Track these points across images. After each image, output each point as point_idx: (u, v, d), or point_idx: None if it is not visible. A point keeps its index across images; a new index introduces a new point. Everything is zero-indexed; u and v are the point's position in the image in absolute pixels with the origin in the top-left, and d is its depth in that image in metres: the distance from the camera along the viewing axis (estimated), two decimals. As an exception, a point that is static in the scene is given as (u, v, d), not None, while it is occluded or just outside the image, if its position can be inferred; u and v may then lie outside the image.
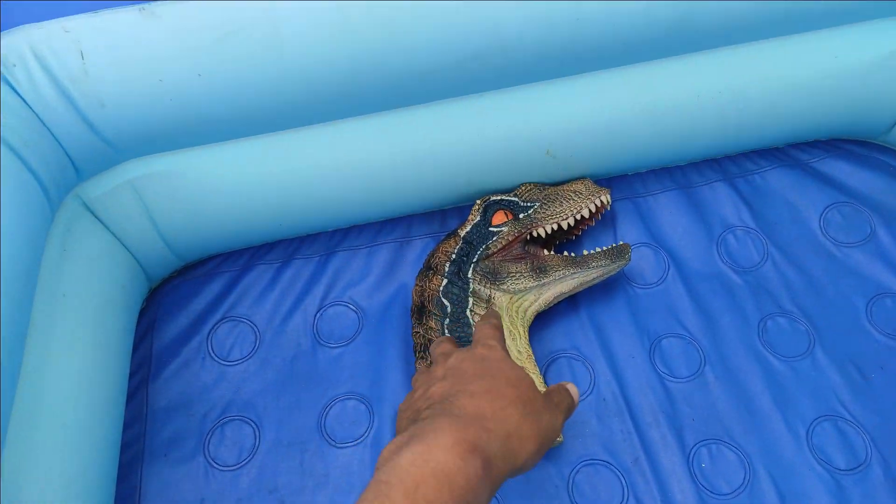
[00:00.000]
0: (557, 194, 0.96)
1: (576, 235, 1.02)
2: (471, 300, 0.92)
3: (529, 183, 0.99)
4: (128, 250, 0.94)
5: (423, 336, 0.92)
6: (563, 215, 0.93)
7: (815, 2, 0.87)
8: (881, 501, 0.81)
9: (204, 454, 0.90)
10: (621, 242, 0.94)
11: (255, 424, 0.92)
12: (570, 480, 0.85)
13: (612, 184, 1.07)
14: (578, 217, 0.94)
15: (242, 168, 0.91)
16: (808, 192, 1.04)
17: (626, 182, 1.08)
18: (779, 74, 0.95)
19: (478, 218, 0.96)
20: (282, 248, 1.06)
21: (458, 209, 1.08)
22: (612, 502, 0.83)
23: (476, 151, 0.96)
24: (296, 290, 1.02)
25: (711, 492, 0.83)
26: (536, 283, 0.91)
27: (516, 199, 0.97)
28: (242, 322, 1.00)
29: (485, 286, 0.92)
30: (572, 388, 0.63)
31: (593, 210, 0.95)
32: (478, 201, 0.98)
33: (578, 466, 0.86)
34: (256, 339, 0.99)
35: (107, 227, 0.89)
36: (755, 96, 0.97)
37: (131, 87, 0.75)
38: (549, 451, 0.87)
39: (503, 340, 0.64)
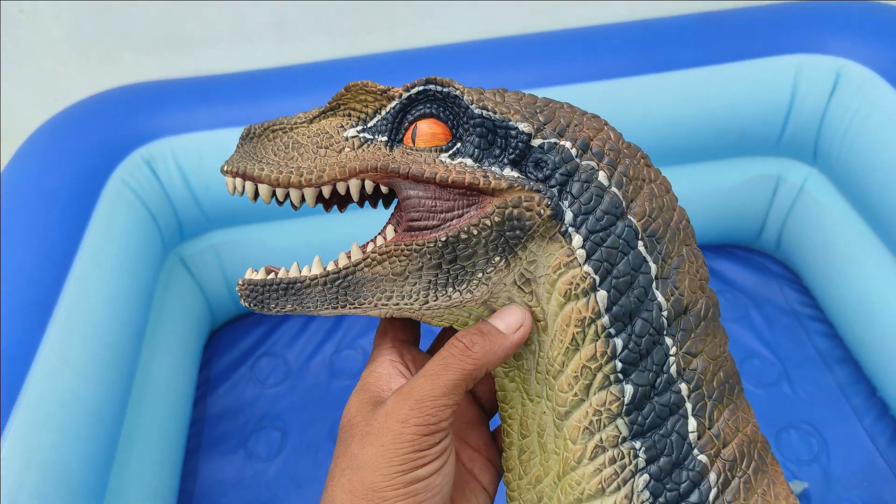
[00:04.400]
0: None
1: None
2: None
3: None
4: (205, 297, 1.30)
5: None
6: None
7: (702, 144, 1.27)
8: None
9: (244, 449, 1.21)
10: None
11: (283, 431, 1.24)
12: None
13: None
14: None
15: (290, 238, 1.28)
16: (701, 282, 1.40)
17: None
18: (681, 192, 1.34)
19: None
20: (311, 305, 1.41)
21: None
22: None
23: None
24: (318, 338, 1.37)
25: None
26: None
27: None
28: (277, 358, 1.34)
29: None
30: None
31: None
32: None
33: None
34: (287, 371, 1.32)
35: (193, 278, 1.25)
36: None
37: (222, 179, 1.14)
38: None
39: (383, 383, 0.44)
